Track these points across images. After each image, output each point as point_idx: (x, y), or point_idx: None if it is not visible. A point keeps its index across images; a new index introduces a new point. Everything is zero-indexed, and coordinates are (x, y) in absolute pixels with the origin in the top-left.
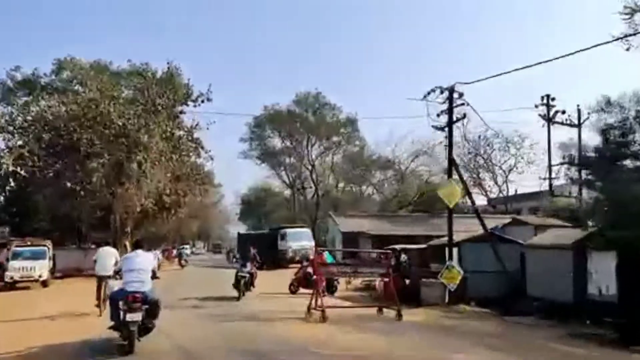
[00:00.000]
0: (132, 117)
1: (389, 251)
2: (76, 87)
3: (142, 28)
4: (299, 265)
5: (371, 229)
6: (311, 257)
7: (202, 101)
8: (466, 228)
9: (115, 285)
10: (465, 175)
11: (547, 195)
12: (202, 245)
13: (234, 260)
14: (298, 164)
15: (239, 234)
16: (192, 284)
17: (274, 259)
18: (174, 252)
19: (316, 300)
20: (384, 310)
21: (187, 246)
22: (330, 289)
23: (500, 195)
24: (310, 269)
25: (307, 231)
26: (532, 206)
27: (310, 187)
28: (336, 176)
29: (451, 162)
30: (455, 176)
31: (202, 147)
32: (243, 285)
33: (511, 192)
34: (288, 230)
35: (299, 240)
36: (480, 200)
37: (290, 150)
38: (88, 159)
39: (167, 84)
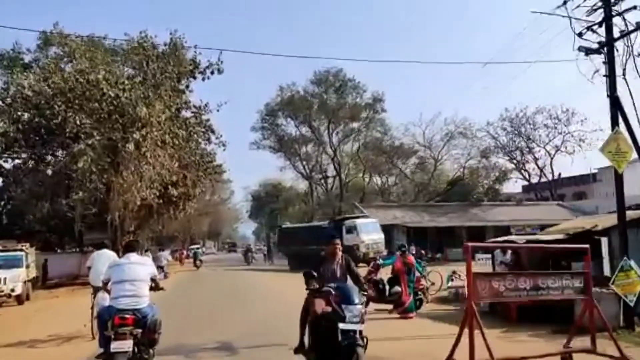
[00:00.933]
0: (127, 89)
1: (584, 246)
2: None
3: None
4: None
5: (406, 221)
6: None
7: (212, 72)
8: (532, 215)
9: (106, 298)
10: (504, 159)
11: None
12: (213, 245)
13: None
14: (317, 152)
15: (280, 228)
16: (216, 295)
17: None
18: (185, 252)
19: (472, 340)
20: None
21: (197, 246)
22: (414, 303)
23: (544, 179)
24: (381, 275)
25: (376, 222)
26: (577, 191)
27: (331, 177)
28: (361, 163)
29: (616, 101)
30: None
31: (213, 131)
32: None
33: (547, 177)
34: (358, 222)
35: (370, 233)
36: (514, 187)
37: (308, 138)
38: (75, 141)
39: (171, 57)
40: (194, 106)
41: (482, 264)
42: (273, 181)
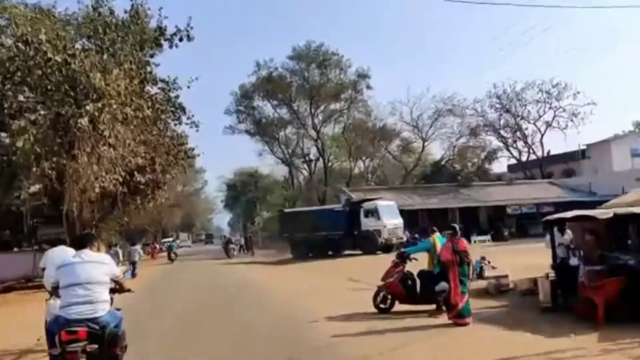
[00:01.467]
0: (78, 55)
1: None
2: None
3: None
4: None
5: (399, 204)
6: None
7: (181, 39)
8: (525, 194)
9: (57, 307)
10: (493, 137)
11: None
12: (187, 237)
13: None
14: (297, 135)
15: (283, 212)
16: (199, 298)
17: (355, 242)
18: (157, 246)
19: None
20: None
21: (171, 239)
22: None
23: (532, 157)
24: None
25: (394, 205)
26: (566, 169)
27: (314, 160)
28: (347, 144)
29: None
30: None
31: (184, 110)
32: None
33: (537, 154)
34: (380, 204)
35: (391, 216)
36: (500, 167)
37: (287, 120)
38: (14, 118)
39: (132, 25)
40: (161, 80)
41: (536, 248)
42: (249, 169)
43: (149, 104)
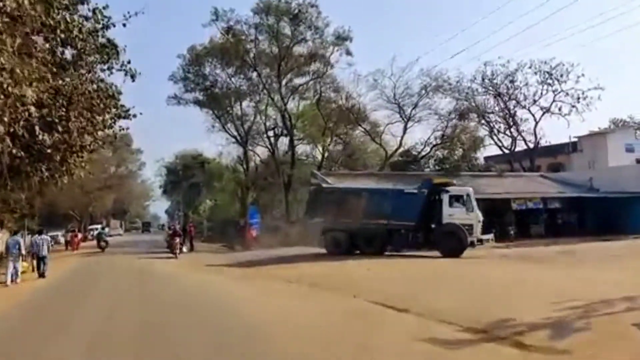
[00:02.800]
0: None
1: None
2: None
3: None
4: None
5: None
6: None
7: None
8: (521, 188)
9: None
10: (477, 123)
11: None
12: (119, 225)
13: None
14: (256, 109)
15: (320, 189)
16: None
17: (431, 238)
18: (79, 235)
19: None
20: None
21: (101, 225)
22: None
23: (519, 148)
24: None
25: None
26: (554, 162)
27: (277, 137)
28: (321, 119)
29: None
30: None
31: (116, 49)
32: None
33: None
34: (471, 190)
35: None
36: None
37: (245, 91)
38: None
39: None
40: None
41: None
42: (192, 152)
43: (63, 25)
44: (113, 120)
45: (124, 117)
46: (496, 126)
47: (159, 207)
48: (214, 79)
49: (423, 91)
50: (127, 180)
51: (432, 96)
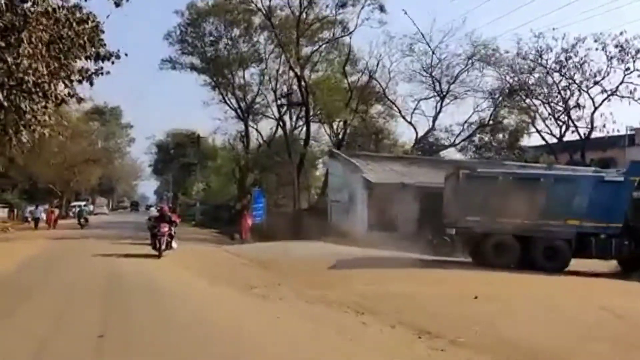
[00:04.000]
0: None
1: None
2: None
3: None
4: None
5: (418, 181)
6: None
7: None
8: None
9: None
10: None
11: None
12: (106, 204)
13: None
14: (261, 76)
15: (473, 174)
16: None
17: None
18: (56, 211)
19: None
20: None
21: (83, 202)
22: None
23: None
24: None
25: None
26: (603, 157)
27: (296, 105)
28: (344, 91)
29: None
30: None
31: None
32: None
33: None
34: None
35: None
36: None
37: (249, 56)
38: None
39: None
40: None
41: None
42: (184, 130)
43: None
44: (91, 57)
45: (106, 58)
46: (547, 109)
47: (147, 187)
48: (215, 40)
49: (469, 61)
50: (115, 156)
51: (477, 69)
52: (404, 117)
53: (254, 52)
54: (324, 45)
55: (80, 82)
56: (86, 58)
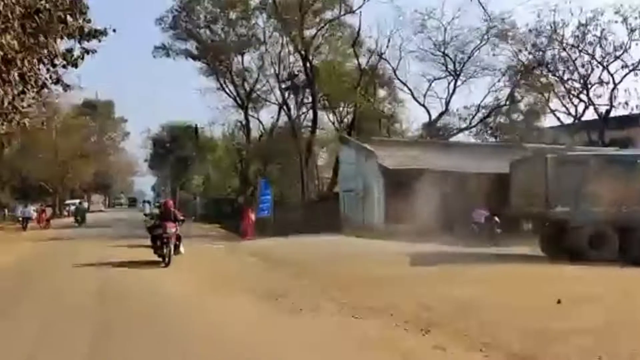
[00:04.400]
0: None
1: None
2: None
3: None
4: None
5: (439, 165)
6: None
7: None
8: None
9: None
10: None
11: None
12: (102, 201)
13: None
14: (261, 60)
15: (560, 157)
16: None
17: None
18: (47, 210)
19: None
20: None
21: (79, 200)
22: None
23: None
24: None
25: None
26: (620, 137)
27: (301, 88)
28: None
29: None
30: None
31: None
32: None
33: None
34: None
35: None
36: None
37: (247, 39)
38: None
39: None
40: None
41: None
42: (180, 123)
43: None
44: (74, 35)
45: (92, 36)
46: (564, 87)
47: (144, 183)
48: (211, 22)
49: (485, 36)
50: (110, 151)
51: (494, 45)
52: (416, 99)
53: (252, 36)
54: (327, 25)
55: (65, 67)
56: (69, 36)
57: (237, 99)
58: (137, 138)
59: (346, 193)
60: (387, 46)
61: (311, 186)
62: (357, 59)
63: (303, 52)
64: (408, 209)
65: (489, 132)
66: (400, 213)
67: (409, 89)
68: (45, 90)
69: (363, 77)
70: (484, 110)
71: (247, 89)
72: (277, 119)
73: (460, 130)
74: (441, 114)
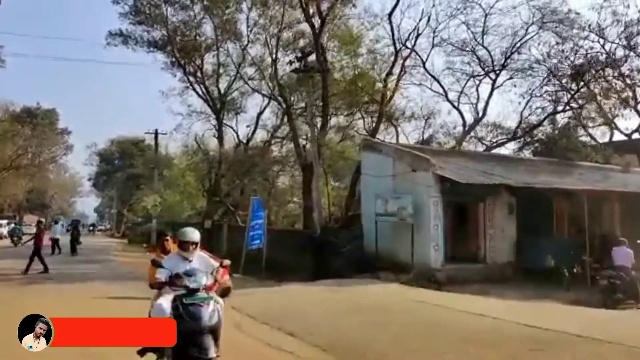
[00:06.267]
0: None
1: None
2: None
3: None
4: None
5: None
6: None
7: None
8: None
9: None
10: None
11: None
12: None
13: None
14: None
15: None
16: None
17: None
18: None
19: None
20: None
21: (5, 221)
22: None
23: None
24: None
25: None
26: None
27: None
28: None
29: None
30: None
31: None
32: None
33: None
34: None
35: None
36: None
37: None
38: None
39: None
40: None
41: None
42: (131, 138)
43: None
44: None
45: None
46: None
47: (87, 204)
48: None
49: (528, 25)
50: (49, 167)
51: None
52: (449, 101)
53: (229, 28)
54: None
55: None
56: None
57: (210, 102)
58: (81, 153)
59: (380, 218)
60: (418, 25)
61: (315, 210)
62: (393, 31)
63: (315, 24)
64: (480, 242)
65: (536, 144)
66: (469, 248)
67: (442, 88)
68: None
69: (395, 64)
70: (529, 119)
71: (222, 92)
72: (260, 114)
73: (508, 140)
74: (478, 120)
